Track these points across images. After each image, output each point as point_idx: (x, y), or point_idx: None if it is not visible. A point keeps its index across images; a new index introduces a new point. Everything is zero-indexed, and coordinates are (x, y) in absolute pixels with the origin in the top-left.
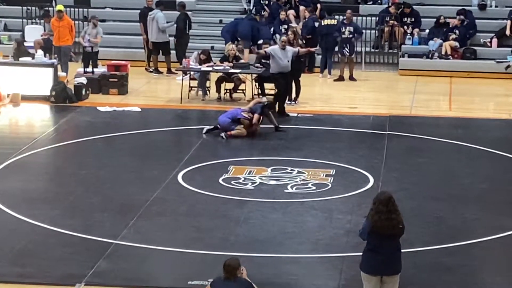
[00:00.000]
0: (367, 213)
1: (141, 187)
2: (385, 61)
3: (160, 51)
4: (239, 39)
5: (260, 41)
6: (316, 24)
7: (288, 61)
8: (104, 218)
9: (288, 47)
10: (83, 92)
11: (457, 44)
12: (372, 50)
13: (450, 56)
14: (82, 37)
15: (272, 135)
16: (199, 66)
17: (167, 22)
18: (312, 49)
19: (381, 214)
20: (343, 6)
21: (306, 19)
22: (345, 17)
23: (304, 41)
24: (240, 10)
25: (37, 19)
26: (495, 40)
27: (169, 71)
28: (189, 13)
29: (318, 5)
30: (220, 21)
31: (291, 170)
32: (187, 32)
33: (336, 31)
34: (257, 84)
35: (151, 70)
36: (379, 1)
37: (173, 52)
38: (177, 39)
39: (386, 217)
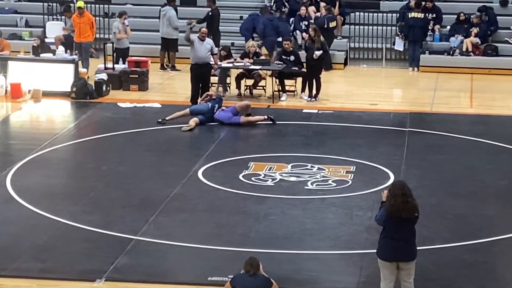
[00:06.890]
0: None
1: (161, 183)
2: (406, 58)
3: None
4: (255, 36)
5: (279, 39)
6: (331, 23)
7: (207, 53)
8: (124, 214)
9: (208, 39)
10: (104, 88)
11: (478, 40)
12: (393, 46)
13: (471, 53)
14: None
15: (293, 132)
16: (220, 63)
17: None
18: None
19: (397, 197)
20: (364, 3)
21: (319, 17)
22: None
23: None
24: (260, 6)
25: (58, 15)
26: None
27: (173, 68)
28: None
29: (337, 2)
30: (241, 17)
31: (311, 166)
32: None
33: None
34: (277, 80)
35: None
36: None
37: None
38: (213, 36)
39: (402, 200)
